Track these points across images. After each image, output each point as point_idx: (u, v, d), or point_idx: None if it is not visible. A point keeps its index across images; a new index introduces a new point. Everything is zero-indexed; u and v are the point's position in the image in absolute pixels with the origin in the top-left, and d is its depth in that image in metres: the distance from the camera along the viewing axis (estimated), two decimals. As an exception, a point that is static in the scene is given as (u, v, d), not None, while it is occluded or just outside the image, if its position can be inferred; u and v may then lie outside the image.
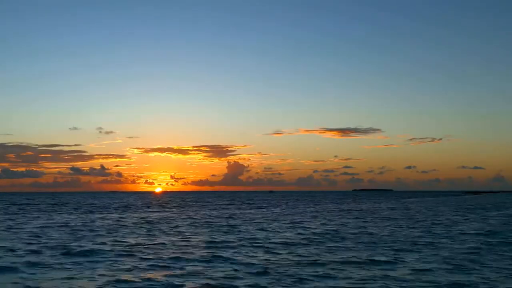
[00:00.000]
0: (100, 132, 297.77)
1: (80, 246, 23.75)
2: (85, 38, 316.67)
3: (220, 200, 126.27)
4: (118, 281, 15.92)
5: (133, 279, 16.20)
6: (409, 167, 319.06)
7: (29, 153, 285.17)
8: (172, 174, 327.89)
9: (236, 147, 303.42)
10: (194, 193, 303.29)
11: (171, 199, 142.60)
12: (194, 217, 49.50)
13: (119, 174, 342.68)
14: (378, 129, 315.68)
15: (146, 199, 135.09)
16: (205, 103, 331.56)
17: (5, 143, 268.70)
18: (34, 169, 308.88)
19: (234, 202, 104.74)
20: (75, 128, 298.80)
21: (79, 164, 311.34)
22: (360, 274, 16.91)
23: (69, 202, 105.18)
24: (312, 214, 55.04)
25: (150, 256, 20.91)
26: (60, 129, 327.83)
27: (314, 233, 31.01)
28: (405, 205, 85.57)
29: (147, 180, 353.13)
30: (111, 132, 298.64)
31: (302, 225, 38.46)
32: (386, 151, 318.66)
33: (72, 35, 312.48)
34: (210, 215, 52.67)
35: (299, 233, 31.04)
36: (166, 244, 25.19)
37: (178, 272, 17.32)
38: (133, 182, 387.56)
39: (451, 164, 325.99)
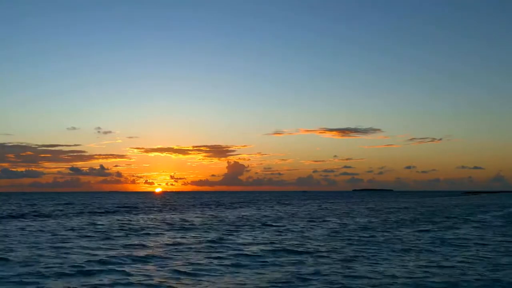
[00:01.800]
0: (99, 132, 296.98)
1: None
2: (84, 38, 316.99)
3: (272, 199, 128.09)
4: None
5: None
6: (408, 167, 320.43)
7: (29, 153, 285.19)
8: (172, 174, 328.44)
9: (236, 147, 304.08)
10: (201, 193, 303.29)
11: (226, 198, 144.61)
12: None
13: (118, 174, 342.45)
14: (378, 129, 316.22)
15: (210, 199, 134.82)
16: (205, 103, 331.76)
17: (5, 143, 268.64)
18: (34, 169, 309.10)
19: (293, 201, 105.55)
20: (74, 128, 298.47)
21: (79, 164, 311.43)
22: None
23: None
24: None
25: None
26: (58, 129, 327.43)
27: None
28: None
29: (147, 180, 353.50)
30: (110, 132, 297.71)
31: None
32: (386, 151, 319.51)
33: (71, 35, 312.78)
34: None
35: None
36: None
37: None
38: (133, 182, 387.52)
39: (451, 164, 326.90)
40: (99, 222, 40.48)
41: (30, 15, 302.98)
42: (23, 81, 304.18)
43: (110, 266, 18.23)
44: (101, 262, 19.10)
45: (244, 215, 51.66)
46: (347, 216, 50.73)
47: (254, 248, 23.00)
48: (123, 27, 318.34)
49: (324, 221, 42.73)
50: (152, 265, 18.69)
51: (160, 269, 17.87)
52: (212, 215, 52.65)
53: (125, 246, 23.91)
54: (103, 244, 24.65)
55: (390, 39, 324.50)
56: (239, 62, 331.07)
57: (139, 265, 18.68)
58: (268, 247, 23.42)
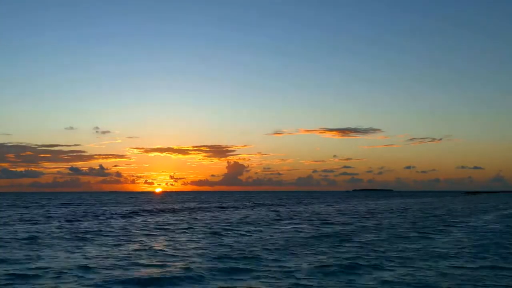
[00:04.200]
0: (97, 131, 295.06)
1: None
2: (82, 37, 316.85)
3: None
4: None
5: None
6: (408, 167, 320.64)
7: (29, 153, 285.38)
8: (172, 174, 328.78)
9: (236, 147, 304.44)
10: (206, 193, 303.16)
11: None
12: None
13: (118, 174, 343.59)
14: (378, 129, 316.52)
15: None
16: (205, 103, 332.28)
17: (5, 143, 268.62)
18: (34, 169, 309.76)
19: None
20: (71, 128, 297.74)
21: (78, 164, 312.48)
22: None
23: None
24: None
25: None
26: (56, 129, 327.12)
27: None
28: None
29: (147, 180, 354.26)
30: (108, 131, 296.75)
31: None
32: (386, 151, 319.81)
33: (70, 34, 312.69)
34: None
35: None
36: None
37: None
38: (133, 182, 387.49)
39: (451, 164, 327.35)
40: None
41: (26, 13, 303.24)
42: (22, 81, 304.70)
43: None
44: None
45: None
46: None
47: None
48: (122, 26, 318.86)
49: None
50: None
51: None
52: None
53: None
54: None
55: (390, 39, 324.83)
56: (239, 62, 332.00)
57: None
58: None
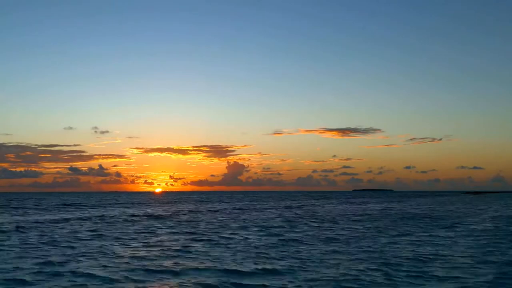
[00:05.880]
0: (96, 131, 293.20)
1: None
2: (81, 36, 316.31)
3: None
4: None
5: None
6: (408, 167, 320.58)
7: (29, 153, 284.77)
8: (172, 174, 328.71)
9: (236, 147, 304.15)
10: (211, 193, 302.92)
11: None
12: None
13: (118, 174, 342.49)
14: (378, 129, 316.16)
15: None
16: (205, 103, 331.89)
17: (4, 143, 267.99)
18: (34, 169, 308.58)
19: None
20: (70, 128, 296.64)
21: (78, 164, 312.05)
22: None
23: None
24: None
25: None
26: (55, 129, 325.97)
27: None
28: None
29: (147, 180, 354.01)
30: (107, 131, 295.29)
31: None
32: (386, 151, 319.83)
33: (67, 33, 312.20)
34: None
35: None
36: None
37: None
38: (133, 182, 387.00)
39: (450, 164, 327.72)
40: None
41: (23, 12, 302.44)
42: (21, 80, 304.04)
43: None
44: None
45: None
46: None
47: None
48: (122, 25, 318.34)
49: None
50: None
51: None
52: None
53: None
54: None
55: (390, 39, 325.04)
56: (239, 62, 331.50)
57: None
58: None
